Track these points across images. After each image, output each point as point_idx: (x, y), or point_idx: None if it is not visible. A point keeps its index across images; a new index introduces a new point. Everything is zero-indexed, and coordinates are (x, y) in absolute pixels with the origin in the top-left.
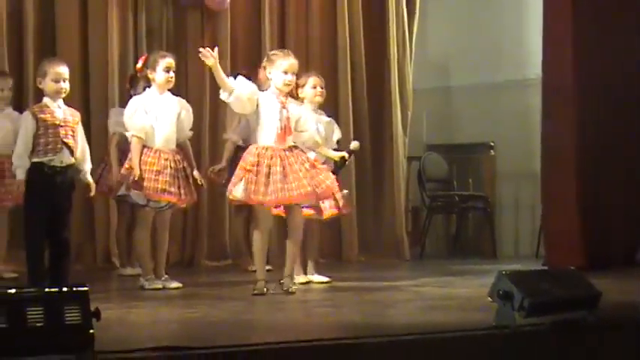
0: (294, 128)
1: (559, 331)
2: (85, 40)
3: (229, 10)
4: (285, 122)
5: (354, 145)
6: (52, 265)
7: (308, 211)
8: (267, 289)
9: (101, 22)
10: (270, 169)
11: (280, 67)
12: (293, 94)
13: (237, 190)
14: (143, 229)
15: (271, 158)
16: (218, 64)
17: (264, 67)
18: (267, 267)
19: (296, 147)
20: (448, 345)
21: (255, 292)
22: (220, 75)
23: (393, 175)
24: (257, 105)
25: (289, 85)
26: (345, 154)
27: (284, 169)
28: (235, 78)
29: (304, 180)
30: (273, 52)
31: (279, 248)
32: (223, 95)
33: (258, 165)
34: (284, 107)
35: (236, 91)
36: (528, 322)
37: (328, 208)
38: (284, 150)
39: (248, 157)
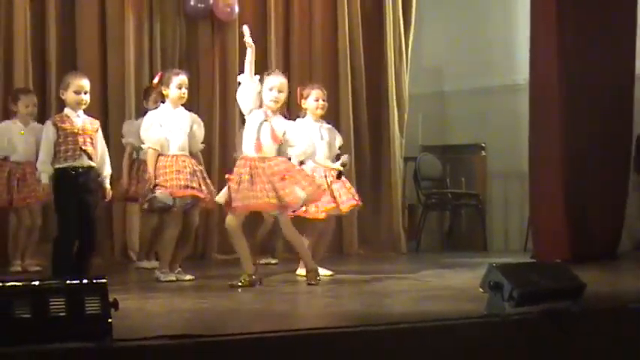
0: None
1: (546, 320)
2: (104, 54)
3: (237, 21)
4: (263, 134)
5: (344, 159)
6: (76, 259)
7: (328, 206)
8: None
9: (118, 37)
10: (240, 177)
11: (267, 85)
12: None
13: (219, 197)
14: (174, 229)
15: (249, 168)
16: (253, 47)
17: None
18: (274, 261)
19: (275, 158)
20: (442, 332)
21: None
22: (253, 59)
23: (390, 174)
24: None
25: (277, 102)
26: (340, 167)
27: (252, 177)
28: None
29: (271, 191)
30: (267, 72)
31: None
32: (243, 77)
33: (240, 175)
34: (266, 120)
35: (255, 82)
36: (517, 312)
37: (346, 202)
38: (259, 160)
39: (234, 169)
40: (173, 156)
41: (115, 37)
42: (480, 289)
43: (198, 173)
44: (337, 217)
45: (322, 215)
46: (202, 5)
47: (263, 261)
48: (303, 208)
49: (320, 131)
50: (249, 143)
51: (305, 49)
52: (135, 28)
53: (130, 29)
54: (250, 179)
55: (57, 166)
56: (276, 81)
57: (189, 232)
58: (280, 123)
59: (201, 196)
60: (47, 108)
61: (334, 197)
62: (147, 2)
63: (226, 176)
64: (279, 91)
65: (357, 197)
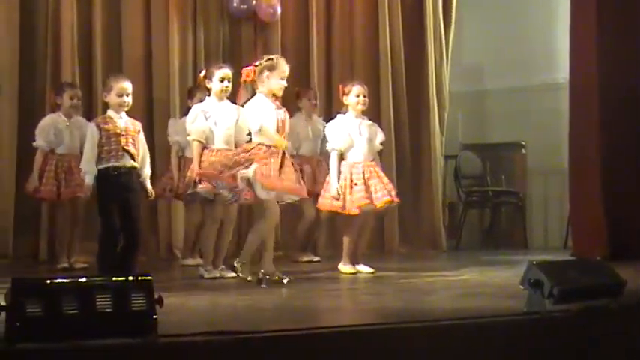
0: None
1: (586, 317)
2: (149, 54)
3: (279, 22)
4: (281, 125)
5: None
6: (122, 257)
7: (362, 202)
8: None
9: (163, 38)
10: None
11: (281, 73)
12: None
13: (248, 171)
14: (212, 223)
15: (271, 154)
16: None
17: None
18: (316, 258)
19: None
20: (482, 329)
21: (249, 278)
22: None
23: (431, 172)
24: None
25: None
26: None
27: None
28: None
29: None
30: (271, 57)
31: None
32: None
33: (268, 159)
34: (279, 108)
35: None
36: (557, 309)
37: (381, 198)
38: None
39: (259, 153)
40: (218, 150)
41: (160, 37)
42: (520, 287)
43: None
44: (376, 214)
45: (356, 211)
46: (245, 6)
47: (305, 258)
48: (339, 203)
49: (360, 128)
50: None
51: (346, 49)
52: (179, 29)
53: (175, 30)
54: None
55: (100, 166)
56: (286, 69)
57: (228, 227)
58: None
59: (241, 194)
60: (93, 106)
61: (369, 193)
62: (191, 3)
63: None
64: (283, 78)
65: (393, 194)
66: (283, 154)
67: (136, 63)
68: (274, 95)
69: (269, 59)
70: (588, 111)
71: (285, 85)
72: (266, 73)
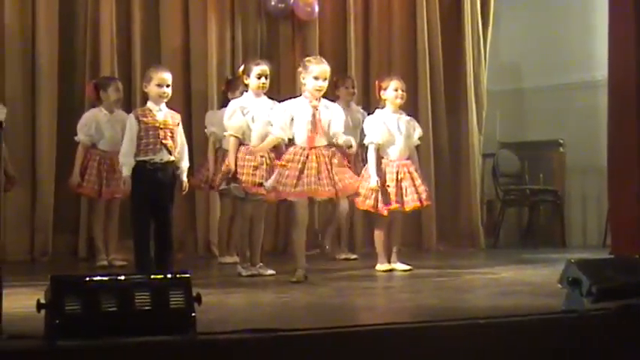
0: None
1: (624, 316)
2: (187, 50)
3: (317, 20)
4: (317, 124)
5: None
6: (157, 254)
7: (393, 205)
8: (307, 277)
9: (201, 34)
10: (304, 165)
11: (312, 72)
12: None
13: (267, 182)
14: (244, 221)
15: (307, 157)
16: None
17: (300, 72)
18: (353, 256)
19: (329, 146)
20: (520, 328)
21: (294, 279)
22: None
23: (469, 170)
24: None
25: (320, 90)
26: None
27: (318, 165)
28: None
29: (331, 179)
30: (307, 58)
31: (365, 238)
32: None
33: (292, 162)
34: (316, 111)
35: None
36: (596, 307)
37: (410, 202)
38: (317, 148)
39: (285, 156)
40: (254, 147)
41: (198, 33)
42: (558, 285)
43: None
44: (405, 214)
45: (385, 213)
46: (283, 5)
47: (343, 256)
48: (371, 202)
49: (398, 123)
50: (301, 134)
51: (384, 48)
52: (217, 26)
53: (212, 26)
54: (304, 167)
55: (138, 158)
56: (321, 69)
57: (257, 223)
58: (326, 112)
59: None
60: (131, 102)
61: (400, 196)
62: (229, 2)
63: (276, 162)
64: (324, 79)
65: (423, 197)
66: (311, 152)
67: (175, 57)
68: (313, 96)
69: (304, 61)
70: (627, 108)
71: (321, 84)
72: (302, 74)
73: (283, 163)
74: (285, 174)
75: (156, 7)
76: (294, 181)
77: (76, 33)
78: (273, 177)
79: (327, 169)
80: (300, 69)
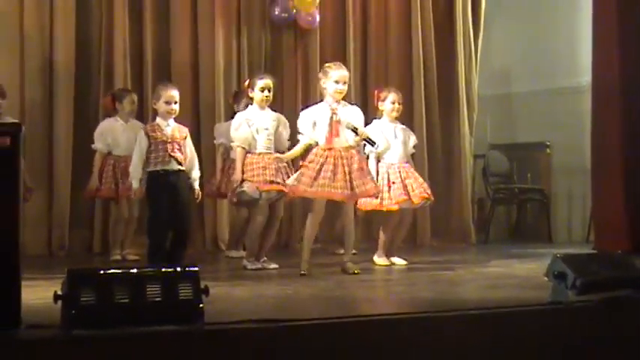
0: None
1: (607, 308)
2: (196, 61)
3: (318, 29)
4: (335, 126)
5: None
6: (171, 252)
7: (400, 198)
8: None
9: (209, 45)
10: (322, 166)
11: (332, 77)
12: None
13: (290, 180)
14: (260, 220)
15: (326, 158)
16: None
17: (320, 78)
18: (353, 251)
19: (350, 147)
20: (509, 318)
21: (302, 271)
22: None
23: (460, 170)
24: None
25: (341, 92)
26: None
27: (335, 167)
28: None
29: (348, 181)
30: (327, 64)
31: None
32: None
33: (312, 162)
34: (334, 113)
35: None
36: (579, 299)
37: (418, 195)
38: (335, 150)
39: (308, 156)
40: (260, 154)
41: (206, 45)
42: (545, 278)
43: (283, 169)
44: (413, 210)
45: (395, 207)
46: (286, 15)
47: (342, 251)
48: (377, 201)
49: (395, 131)
50: (321, 136)
51: (381, 55)
52: (224, 37)
53: (220, 38)
54: (322, 168)
55: (149, 169)
56: (340, 73)
57: (274, 223)
58: (344, 113)
59: (286, 190)
60: (144, 111)
61: (407, 191)
62: (235, 12)
63: (300, 163)
64: (344, 83)
65: (428, 192)
66: (330, 153)
67: (184, 69)
68: (334, 99)
69: (324, 67)
70: (610, 113)
71: (341, 88)
72: (323, 79)
73: (305, 163)
74: (305, 173)
75: (166, 21)
76: (311, 181)
77: (91, 47)
78: (294, 175)
79: (344, 172)
80: (320, 75)
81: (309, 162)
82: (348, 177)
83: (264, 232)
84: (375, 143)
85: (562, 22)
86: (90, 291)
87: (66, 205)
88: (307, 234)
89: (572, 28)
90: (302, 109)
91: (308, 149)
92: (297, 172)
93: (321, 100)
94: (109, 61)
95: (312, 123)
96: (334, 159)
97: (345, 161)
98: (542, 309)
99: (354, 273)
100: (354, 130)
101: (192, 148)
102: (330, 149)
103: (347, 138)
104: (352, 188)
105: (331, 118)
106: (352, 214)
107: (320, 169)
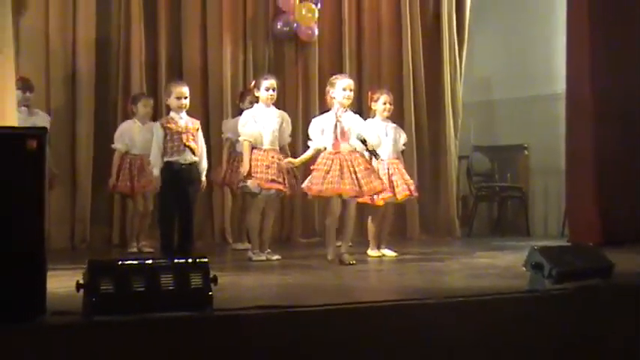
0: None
1: (581, 295)
2: (206, 68)
3: (317, 41)
4: (340, 132)
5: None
6: (179, 245)
7: (386, 195)
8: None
9: (217, 54)
10: (330, 168)
11: (340, 86)
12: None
13: (303, 184)
14: (256, 212)
15: (332, 160)
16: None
17: (328, 90)
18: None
19: (354, 151)
20: (490, 305)
21: (329, 258)
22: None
23: (446, 170)
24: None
25: (349, 98)
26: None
27: (341, 168)
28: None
29: (353, 180)
30: (333, 77)
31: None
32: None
33: (320, 164)
34: (338, 121)
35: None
36: (555, 288)
37: (401, 192)
38: (341, 153)
39: (317, 160)
40: (265, 150)
41: (215, 53)
42: (523, 269)
43: (284, 169)
44: (396, 205)
45: (381, 202)
46: (287, 28)
47: (339, 243)
48: (367, 197)
49: (386, 129)
50: (329, 142)
51: (374, 65)
52: (231, 47)
53: (227, 48)
54: (330, 169)
55: (166, 159)
56: (346, 82)
57: (269, 215)
58: (348, 121)
59: (283, 189)
60: (158, 113)
61: (392, 187)
62: (241, 25)
63: (311, 167)
64: (350, 90)
65: (412, 188)
66: (337, 156)
67: (195, 75)
68: (342, 105)
69: (330, 80)
70: (583, 118)
71: (349, 94)
72: (331, 90)
73: (315, 167)
74: (315, 175)
75: (178, 32)
76: (322, 181)
77: (111, 54)
78: (308, 178)
79: (350, 172)
80: (328, 87)
81: (318, 164)
82: (354, 176)
83: (263, 225)
84: (378, 156)
85: (539, 35)
86: (109, 280)
87: (87, 203)
88: (329, 232)
89: (549, 41)
90: (303, 114)
91: (317, 154)
92: (310, 176)
93: (329, 109)
94: (126, 68)
95: (321, 130)
96: (340, 161)
97: (349, 163)
98: (521, 296)
99: (350, 264)
100: (364, 142)
101: (203, 141)
102: (336, 153)
103: (351, 143)
104: (360, 186)
105: (335, 125)
106: (353, 212)
107: (328, 170)
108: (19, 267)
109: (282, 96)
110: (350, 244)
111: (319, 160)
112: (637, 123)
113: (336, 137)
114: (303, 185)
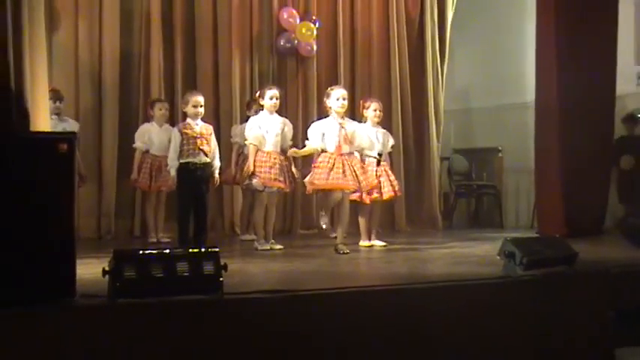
0: (351, 139)
1: (548, 280)
2: (217, 78)
3: (315, 56)
4: (343, 137)
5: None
6: (195, 235)
7: (373, 195)
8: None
9: (227, 67)
10: (333, 166)
11: (335, 96)
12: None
13: (306, 179)
14: (260, 208)
15: (334, 160)
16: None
17: (325, 99)
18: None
19: (351, 153)
20: (468, 289)
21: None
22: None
23: (430, 169)
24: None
25: (343, 107)
26: (377, 157)
27: (343, 166)
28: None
29: (354, 177)
30: (329, 88)
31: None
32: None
33: (323, 163)
34: (342, 127)
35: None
36: (525, 274)
37: (387, 192)
38: (342, 155)
39: (318, 159)
40: (268, 153)
41: (225, 67)
42: (498, 257)
43: (285, 168)
44: (383, 202)
45: (368, 201)
46: (289, 45)
47: (334, 234)
48: (357, 194)
49: (376, 134)
50: (331, 145)
51: (366, 78)
52: (239, 61)
53: (236, 62)
54: (333, 167)
55: (182, 160)
56: (341, 92)
57: (271, 209)
58: (350, 127)
59: (284, 187)
60: (174, 116)
61: (379, 188)
62: (248, 42)
63: (313, 165)
64: (344, 99)
65: (396, 189)
66: (339, 157)
67: (207, 84)
68: (338, 113)
69: (327, 91)
70: (549, 124)
71: (343, 103)
72: (327, 100)
73: (317, 165)
74: (319, 172)
75: (192, 46)
76: (327, 177)
77: (132, 66)
78: (309, 175)
79: (351, 170)
80: (325, 98)
81: (320, 163)
82: (354, 174)
83: (267, 218)
84: (381, 158)
85: (512, 50)
86: (131, 267)
87: (112, 199)
88: (329, 205)
89: (520, 56)
90: (303, 121)
91: (313, 152)
92: (312, 173)
93: (327, 116)
94: (146, 79)
95: (321, 134)
96: (342, 161)
97: (349, 163)
98: (496, 282)
99: (345, 253)
100: (380, 154)
101: (216, 143)
102: (338, 155)
103: (350, 145)
104: (359, 182)
105: (340, 131)
106: (347, 206)
107: (332, 168)
108: (52, 255)
109: (285, 104)
110: (345, 235)
111: (321, 159)
112: (598, 127)
113: (339, 141)
114: (307, 180)
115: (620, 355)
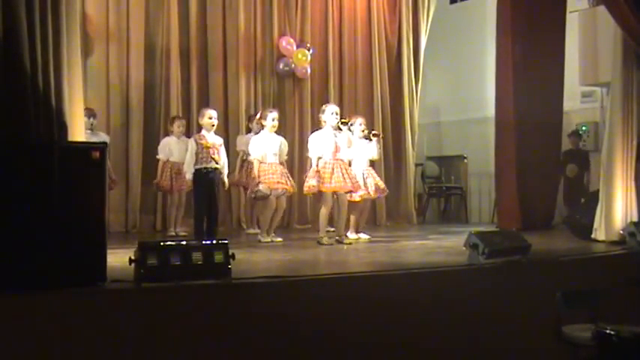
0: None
1: (507, 268)
2: (226, 97)
3: (309, 78)
4: (337, 145)
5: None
6: (208, 228)
7: (363, 194)
8: (329, 241)
9: (235, 87)
10: (333, 171)
11: (329, 111)
12: (345, 127)
13: (309, 182)
14: (269, 211)
15: (333, 165)
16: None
17: (320, 115)
18: (332, 228)
19: (343, 159)
20: (439, 275)
21: (323, 243)
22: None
23: (406, 174)
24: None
25: (337, 120)
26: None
27: (340, 170)
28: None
29: (347, 180)
30: (324, 105)
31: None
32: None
33: (324, 168)
34: (335, 137)
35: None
36: (487, 262)
37: (374, 192)
38: (337, 160)
39: (320, 164)
40: (269, 163)
41: (233, 86)
42: (464, 248)
43: (285, 175)
44: (371, 201)
45: (358, 199)
46: (287, 68)
47: (331, 229)
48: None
49: (365, 144)
50: (327, 152)
51: (352, 95)
52: (245, 82)
53: (242, 83)
54: (333, 172)
55: (196, 166)
56: (333, 109)
57: (279, 211)
58: (341, 139)
59: (288, 188)
60: (190, 131)
61: (367, 188)
62: (252, 66)
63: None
64: (337, 114)
65: (382, 187)
66: (336, 163)
67: (218, 102)
68: (332, 126)
69: (322, 108)
70: (507, 133)
71: (336, 117)
72: (322, 116)
73: (319, 169)
74: (321, 176)
75: (206, 70)
76: (330, 180)
77: (155, 87)
78: (314, 179)
79: (346, 174)
80: (320, 114)
81: (322, 168)
82: (348, 177)
83: (274, 217)
84: (379, 135)
85: (475, 72)
86: (154, 256)
87: (137, 198)
88: (322, 218)
89: (482, 77)
90: (299, 131)
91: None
92: (313, 177)
93: (320, 128)
94: (167, 97)
95: (320, 143)
96: (340, 166)
97: (343, 167)
98: (462, 269)
99: (349, 244)
100: (376, 135)
101: (225, 152)
102: (335, 160)
103: (342, 153)
104: (353, 183)
105: (334, 141)
106: (346, 203)
107: (332, 173)
108: (87, 245)
109: (283, 119)
110: (332, 229)
111: (322, 163)
112: (550, 134)
113: (335, 149)
114: (310, 184)
115: (566, 332)
